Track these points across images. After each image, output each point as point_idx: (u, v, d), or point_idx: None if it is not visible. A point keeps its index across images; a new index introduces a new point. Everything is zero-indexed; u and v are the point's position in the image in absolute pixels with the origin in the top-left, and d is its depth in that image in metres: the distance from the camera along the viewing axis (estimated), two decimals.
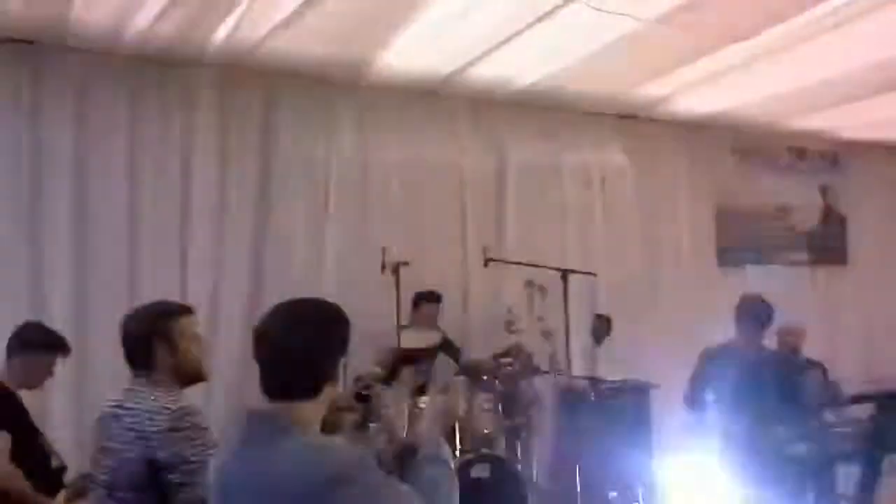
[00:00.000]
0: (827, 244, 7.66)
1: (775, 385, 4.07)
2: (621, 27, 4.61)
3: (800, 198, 7.55)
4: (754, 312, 4.23)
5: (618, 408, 5.49)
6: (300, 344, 1.69)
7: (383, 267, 4.91)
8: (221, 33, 4.57)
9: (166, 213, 4.97)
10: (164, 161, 4.97)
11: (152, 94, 4.94)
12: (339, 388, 1.76)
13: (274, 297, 5.24)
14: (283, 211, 5.29)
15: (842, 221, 7.77)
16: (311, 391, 1.69)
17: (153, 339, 2.36)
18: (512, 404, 5.01)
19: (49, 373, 3.46)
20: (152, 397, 2.29)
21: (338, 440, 1.67)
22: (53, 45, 4.61)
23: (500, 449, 4.83)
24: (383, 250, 4.97)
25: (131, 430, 2.27)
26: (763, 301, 4.29)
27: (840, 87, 5.86)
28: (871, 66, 5.38)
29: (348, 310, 1.85)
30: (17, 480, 3.10)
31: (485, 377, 4.97)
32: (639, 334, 6.34)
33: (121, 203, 4.84)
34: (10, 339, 3.40)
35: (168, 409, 2.25)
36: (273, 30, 4.55)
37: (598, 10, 4.33)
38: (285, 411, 1.65)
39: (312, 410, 1.69)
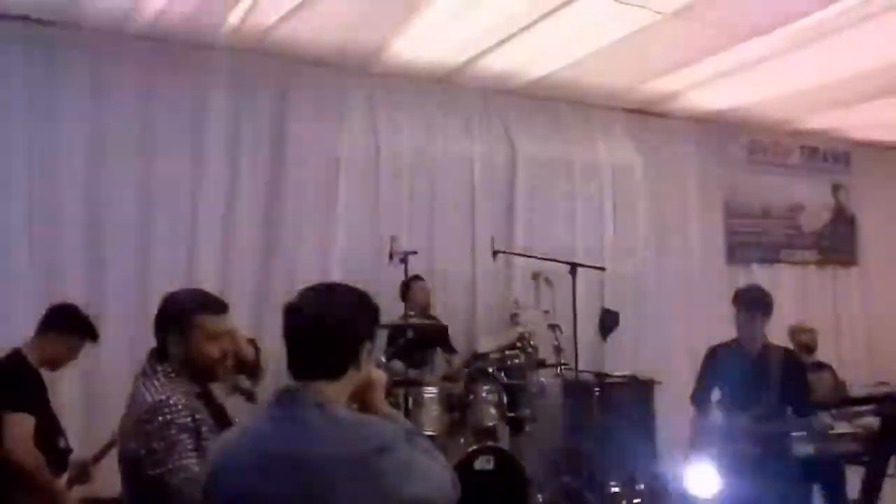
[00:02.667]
0: (836, 244, 7.62)
1: (780, 383, 4.00)
2: (637, 20, 4.59)
3: (810, 197, 7.52)
4: (750, 300, 4.04)
5: (622, 402, 5.48)
6: (333, 321, 1.69)
7: (391, 256, 4.88)
8: (234, 18, 4.56)
9: (177, 196, 4.96)
10: (175, 144, 4.96)
11: (165, 78, 4.92)
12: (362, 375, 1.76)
13: (282, 283, 5.25)
14: (293, 196, 5.27)
15: (852, 221, 7.73)
16: (338, 371, 1.69)
17: (167, 329, 2.28)
18: (516, 397, 5.00)
19: (73, 356, 3.47)
20: (146, 386, 2.20)
21: (373, 416, 1.73)
22: (67, 24, 4.60)
23: (504, 441, 4.83)
24: (391, 239, 4.94)
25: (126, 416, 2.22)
26: (759, 289, 4.14)
27: (854, 87, 5.82)
28: (885, 66, 5.34)
29: None
30: (37, 461, 3.14)
31: (490, 369, 4.96)
32: (645, 330, 6.33)
33: (133, 185, 4.84)
34: (45, 317, 3.40)
35: (148, 400, 2.14)
36: (286, 15, 4.53)
37: (616, 1, 4.31)
38: (316, 388, 1.66)
39: (338, 391, 1.69)
